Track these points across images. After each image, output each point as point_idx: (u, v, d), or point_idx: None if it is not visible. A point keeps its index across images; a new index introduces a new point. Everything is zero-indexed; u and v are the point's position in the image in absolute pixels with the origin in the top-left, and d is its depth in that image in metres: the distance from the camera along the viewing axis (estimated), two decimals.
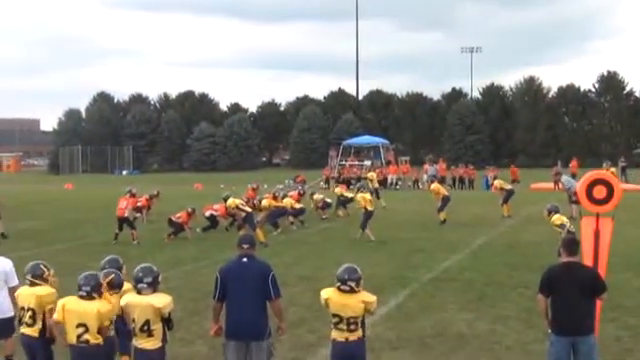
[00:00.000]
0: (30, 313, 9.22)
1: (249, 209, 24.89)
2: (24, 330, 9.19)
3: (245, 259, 9.09)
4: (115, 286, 8.94)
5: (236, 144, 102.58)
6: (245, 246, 9.16)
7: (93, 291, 8.56)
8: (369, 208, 24.87)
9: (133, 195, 26.43)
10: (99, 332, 8.47)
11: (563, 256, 9.02)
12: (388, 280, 17.32)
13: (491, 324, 13.41)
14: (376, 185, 41.47)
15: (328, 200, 32.19)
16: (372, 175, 44.08)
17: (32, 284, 9.35)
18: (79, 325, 8.43)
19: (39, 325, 9.17)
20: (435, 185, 31.43)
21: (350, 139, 69.20)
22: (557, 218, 18.86)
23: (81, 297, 8.54)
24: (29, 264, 9.56)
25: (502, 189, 32.45)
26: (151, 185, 32.98)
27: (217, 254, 21.02)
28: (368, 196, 25.77)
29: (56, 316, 8.63)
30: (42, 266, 9.54)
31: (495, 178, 39.31)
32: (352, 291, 8.65)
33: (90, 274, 8.74)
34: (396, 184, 56.25)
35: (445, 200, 29.66)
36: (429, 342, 12.33)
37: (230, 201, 24.94)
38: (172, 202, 32.32)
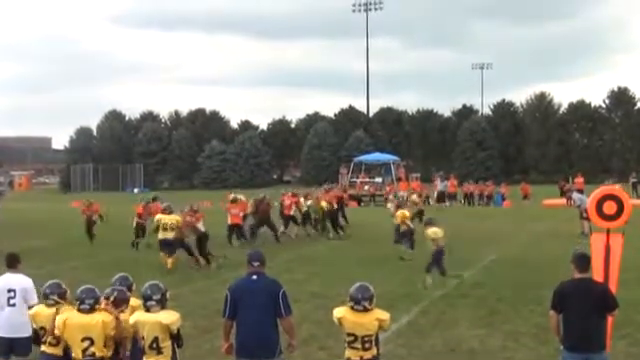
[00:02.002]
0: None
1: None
2: (46, 349, 9.11)
3: (255, 276, 9.10)
4: (119, 303, 8.91)
5: (247, 161, 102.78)
6: (255, 264, 9.17)
7: (96, 304, 8.62)
8: (407, 226, 25.04)
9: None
10: (105, 345, 8.51)
11: (575, 272, 9.02)
12: (399, 296, 17.29)
13: (503, 340, 13.38)
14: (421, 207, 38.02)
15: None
16: (415, 198, 40.57)
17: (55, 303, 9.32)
18: (84, 339, 8.44)
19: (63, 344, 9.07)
20: (400, 212, 25.73)
21: (361, 156, 69.22)
22: (432, 232, 19.78)
23: (83, 311, 8.55)
24: (50, 282, 9.57)
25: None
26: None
27: (228, 272, 20.99)
28: (407, 213, 25.85)
29: (57, 332, 8.64)
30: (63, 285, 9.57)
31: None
32: (365, 310, 8.60)
33: (89, 288, 8.77)
34: (407, 200, 56.18)
35: (407, 233, 25.15)
36: (441, 359, 12.32)
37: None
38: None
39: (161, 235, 22.43)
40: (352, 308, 8.64)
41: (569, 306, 8.82)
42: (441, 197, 53.17)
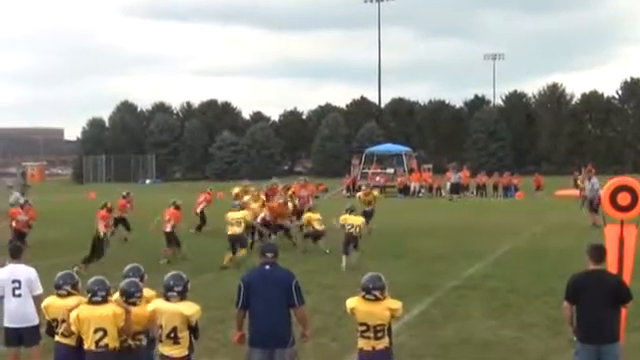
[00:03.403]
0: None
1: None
2: (60, 339, 9.10)
3: (268, 267, 9.12)
4: (130, 295, 8.89)
5: (258, 152, 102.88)
6: (269, 255, 9.19)
7: (107, 295, 8.66)
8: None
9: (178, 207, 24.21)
10: (119, 335, 8.53)
11: (589, 264, 8.98)
12: (411, 288, 17.25)
13: (516, 332, 13.37)
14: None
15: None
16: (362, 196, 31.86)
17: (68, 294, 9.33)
18: (97, 330, 8.46)
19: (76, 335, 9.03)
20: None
21: (373, 147, 69.11)
22: (343, 218, 21.18)
23: (95, 303, 8.57)
24: (62, 273, 9.58)
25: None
26: (175, 193, 32.97)
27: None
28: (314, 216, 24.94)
29: (72, 328, 8.64)
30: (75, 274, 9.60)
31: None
32: (377, 299, 8.64)
33: (100, 279, 8.79)
34: (419, 192, 56.18)
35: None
36: (453, 350, 12.30)
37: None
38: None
39: (230, 231, 22.41)
40: (364, 298, 8.70)
41: (583, 297, 8.79)
42: (455, 189, 53.04)
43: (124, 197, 29.07)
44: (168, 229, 23.12)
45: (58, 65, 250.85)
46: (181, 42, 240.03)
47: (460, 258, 22.32)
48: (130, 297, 8.76)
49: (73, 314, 8.62)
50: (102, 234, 21.86)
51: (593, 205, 29.52)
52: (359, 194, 30.93)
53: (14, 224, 24.52)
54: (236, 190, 30.48)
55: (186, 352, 8.48)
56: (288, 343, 8.93)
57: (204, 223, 30.32)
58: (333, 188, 60.26)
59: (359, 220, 21.44)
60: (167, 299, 8.56)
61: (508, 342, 12.72)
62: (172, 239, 23.15)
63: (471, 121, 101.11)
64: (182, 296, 8.57)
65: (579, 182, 50.80)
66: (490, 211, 33.03)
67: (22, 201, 26.85)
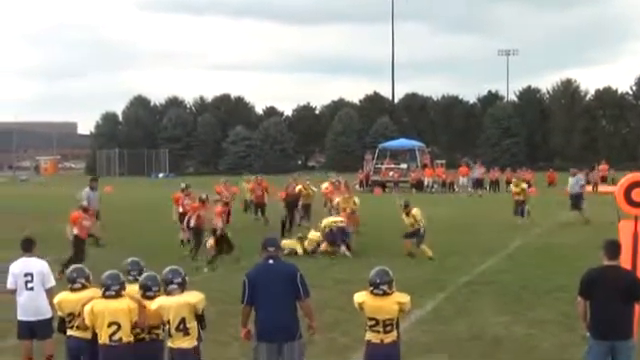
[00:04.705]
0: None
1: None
2: (74, 333, 9.17)
3: (272, 261, 9.12)
4: (148, 288, 8.94)
5: (271, 147, 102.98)
6: (271, 249, 9.18)
7: (121, 289, 8.73)
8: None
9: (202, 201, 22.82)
10: (132, 329, 8.62)
11: (604, 259, 8.93)
12: (423, 283, 17.27)
13: (528, 328, 13.33)
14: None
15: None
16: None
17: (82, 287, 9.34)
18: (111, 324, 8.53)
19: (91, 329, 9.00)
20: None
21: (386, 142, 69.00)
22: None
23: (109, 297, 8.65)
24: (75, 266, 9.56)
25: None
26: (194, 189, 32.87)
27: (249, 257, 20.87)
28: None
29: (87, 322, 8.69)
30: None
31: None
32: (385, 294, 8.68)
33: (114, 273, 8.87)
34: (432, 187, 56.11)
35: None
36: (465, 346, 12.27)
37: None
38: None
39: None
40: (372, 292, 8.74)
41: (596, 293, 8.74)
42: (478, 183, 52.72)
43: (182, 190, 25.98)
44: (192, 224, 22.03)
45: (72, 59, 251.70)
46: (195, 36, 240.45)
47: (472, 253, 22.29)
48: (148, 290, 8.86)
49: (87, 307, 8.67)
50: (219, 229, 21.22)
51: (577, 203, 30.79)
52: (337, 200, 27.06)
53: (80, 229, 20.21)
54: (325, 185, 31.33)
55: (195, 342, 8.60)
56: (296, 336, 8.94)
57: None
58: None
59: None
60: (168, 293, 8.65)
61: (520, 338, 12.68)
62: (197, 235, 22.15)
63: (484, 117, 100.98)
64: (182, 288, 8.69)
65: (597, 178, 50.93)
66: (503, 206, 32.87)
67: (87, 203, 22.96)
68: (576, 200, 30.81)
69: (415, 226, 21.84)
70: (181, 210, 24.92)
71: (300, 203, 28.85)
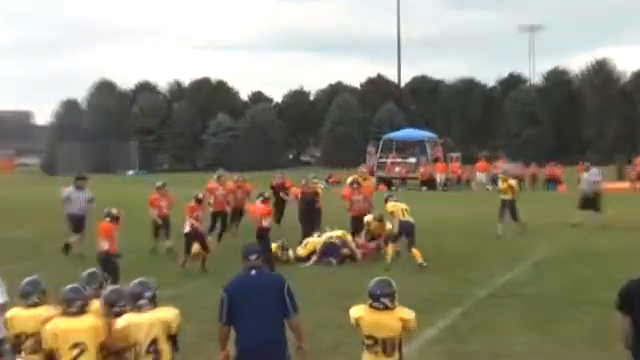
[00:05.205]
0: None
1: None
2: (27, 356, 9.09)
3: (254, 272, 9.10)
4: (112, 303, 8.93)
5: (259, 139, 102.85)
6: (252, 257, 9.17)
7: (85, 305, 8.69)
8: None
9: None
10: (100, 352, 8.54)
11: None
12: (437, 297, 17.31)
13: (556, 346, 13.39)
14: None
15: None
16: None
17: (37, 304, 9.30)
18: (74, 346, 8.44)
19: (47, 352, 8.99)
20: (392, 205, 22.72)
21: (391, 133, 69.07)
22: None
23: (71, 314, 8.59)
24: (29, 279, 9.55)
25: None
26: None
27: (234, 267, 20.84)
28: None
29: (48, 344, 8.54)
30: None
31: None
32: (386, 308, 8.65)
33: (76, 287, 8.84)
34: (445, 185, 56.22)
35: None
36: None
37: None
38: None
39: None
40: (371, 306, 8.71)
41: (638, 308, 8.74)
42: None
43: (158, 190, 25.96)
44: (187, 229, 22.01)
45: (26, 37, 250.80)
46: (169, 11, 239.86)
47: (493, 262, 22.34)
48: (113, 306, 8.82)
49: (48, 327, 8.59)
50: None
51: (586, 201, 30.69)
52: (367, 219, 25.13)
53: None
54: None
55: None
56: (284, 357, 8.94)
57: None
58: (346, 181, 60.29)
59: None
60: (138, 309, 8.60)
61: (547, 358, 12.76)
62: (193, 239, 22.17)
63: (505, 102, 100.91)
64: (154, 303, 8.65)
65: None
66: (528, 207, 32.86)
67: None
68: (590, 200, 30.60)
69: (394, 228, 22.31)
70: (157, 213, 25.03)
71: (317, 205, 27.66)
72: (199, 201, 22.73)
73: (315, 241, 23.51)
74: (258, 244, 20.42)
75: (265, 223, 21.36)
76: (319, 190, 27.93)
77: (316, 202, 26.83)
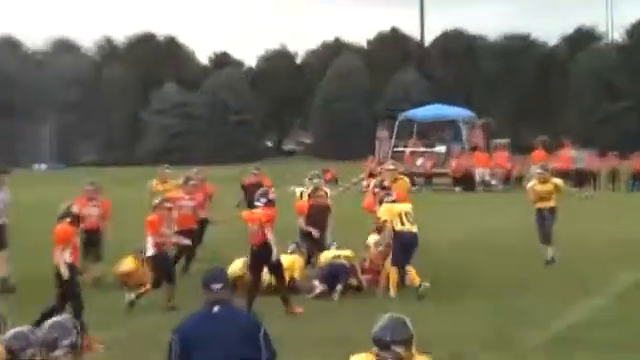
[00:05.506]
0: None
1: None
2: None
3: (217, 308, 9.09)
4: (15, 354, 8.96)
5: (223, 119, 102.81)
6: (216, 287, 9.20)
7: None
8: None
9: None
10: None
11: None
12: (476, 341, 17.22)
13: None
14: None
15: None
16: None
17: None
18: None
19: None
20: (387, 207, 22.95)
21: (411, 110, 69.06)
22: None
23: None
24: None
25: None
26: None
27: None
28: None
29: None
30: None
31: None
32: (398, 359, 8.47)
33: (22, 332, 8.93)
34: (487, 183, 56.25)
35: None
36: None
37: None
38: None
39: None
40: (378, 357, 8.55)
41: None
42: (580, 178, 52.66)
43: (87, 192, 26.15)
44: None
45: None
46: None
47: (555, 293, 22.28)
48: (15, 357, 8.79)
49: None
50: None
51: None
52: None
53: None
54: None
55: None
56: None
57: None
58: (346, 179, 60.45)
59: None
60: None
61: None
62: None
63: (572, 67, 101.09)
64: (75, 351, 8.61)
65: None
66: (605, 214, 32.87)
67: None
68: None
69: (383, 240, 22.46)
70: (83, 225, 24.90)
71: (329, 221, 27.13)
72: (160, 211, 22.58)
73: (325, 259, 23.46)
74: (254, 267, 20.88)
75: (268, 234, 20.70)
76: (329, 202, 26.70)
77: (326, 219, 26.22)
